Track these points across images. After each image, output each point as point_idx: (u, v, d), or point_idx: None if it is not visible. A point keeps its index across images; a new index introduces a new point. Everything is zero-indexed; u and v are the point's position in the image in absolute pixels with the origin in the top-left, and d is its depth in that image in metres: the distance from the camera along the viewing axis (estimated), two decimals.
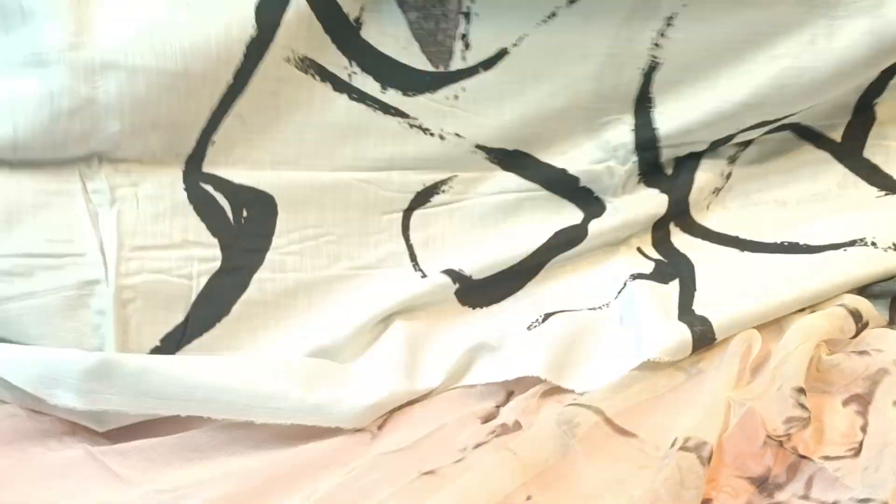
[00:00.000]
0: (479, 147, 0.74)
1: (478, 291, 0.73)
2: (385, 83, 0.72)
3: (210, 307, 0.68)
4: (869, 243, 0.74)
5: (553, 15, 0.72)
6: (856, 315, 0.66)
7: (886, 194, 0.78)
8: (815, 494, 0.55)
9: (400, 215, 0.73)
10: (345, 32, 0.70)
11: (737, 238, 0.78)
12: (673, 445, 0.56)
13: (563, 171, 0.75)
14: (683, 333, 0.66)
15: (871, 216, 0.77)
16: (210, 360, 0.65)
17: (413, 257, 0.74)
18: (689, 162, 0.78)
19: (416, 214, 0.74)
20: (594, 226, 0.75)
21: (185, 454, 0.61)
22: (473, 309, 0.73)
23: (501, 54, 0.72)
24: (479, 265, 0.72)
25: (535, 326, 0.71)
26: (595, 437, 0.59)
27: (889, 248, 0.73)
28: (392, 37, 0.71)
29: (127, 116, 0.65)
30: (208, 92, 0.67)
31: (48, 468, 0.59)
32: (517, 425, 0.61)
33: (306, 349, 0.69)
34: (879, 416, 0.58)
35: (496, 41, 0.72)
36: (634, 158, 0.75)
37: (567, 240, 0.75)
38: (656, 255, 0.77)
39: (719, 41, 0.73)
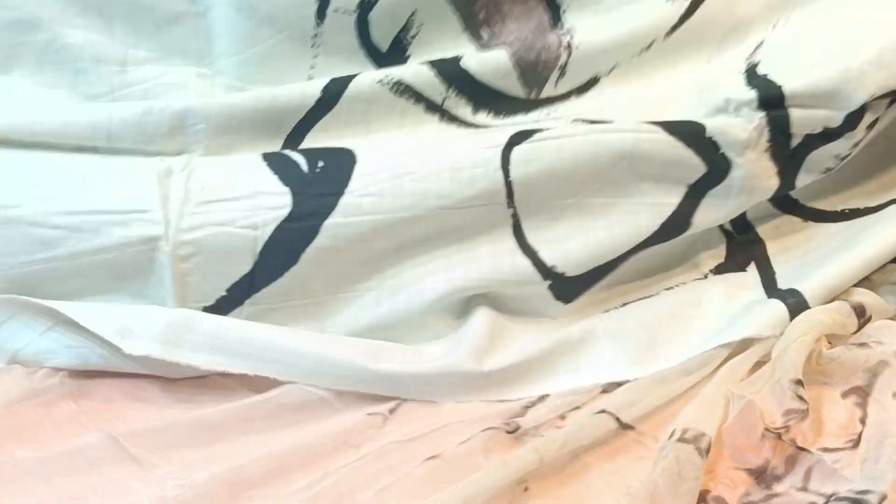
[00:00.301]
0: None
1: (570, 287, 0.71)
2: (477, 106, 0.73)
3: (277, 256, 0.67)
4: None
5: (649, 46, 0.74)
6: (858, 310, 0.66)
7: None
8: (814, 486, 0.55)
9: (499, 150, 0.69)
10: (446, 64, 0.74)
11: (797, 202, 0.76)
12: (671, 437, 0.56)
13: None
14: (778, 307, 0.66)
15: None
16: (282, 328, 0.66)
17: (510, 194, 0.69)
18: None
19: (517, 150, 0.69)
20: (700, 216, 0.71)
21: (198, 434, 0.62)
22: (566, 304, 0.71)
23: (594, 81, 0.74)
24: (574, 260, 0.69)
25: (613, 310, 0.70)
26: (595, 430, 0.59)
27: None
28: (493, 68, 0.73)
29: (213, 119, 0.70)
30: (294, 110, 0.71)
31: (71, 458, 0.59)
32: (525, 431, 0.61)
33: (376, 312, 0.68)
34: (879, 408, 0.58)
35: (590, 71, 0.74)
36: (761, 115, 0.69)
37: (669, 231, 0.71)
38: (727, 225, 0.75)
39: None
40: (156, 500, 0.56)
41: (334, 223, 0.67)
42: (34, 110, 0.72)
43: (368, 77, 0.73)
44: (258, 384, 0.65)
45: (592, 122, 0.71)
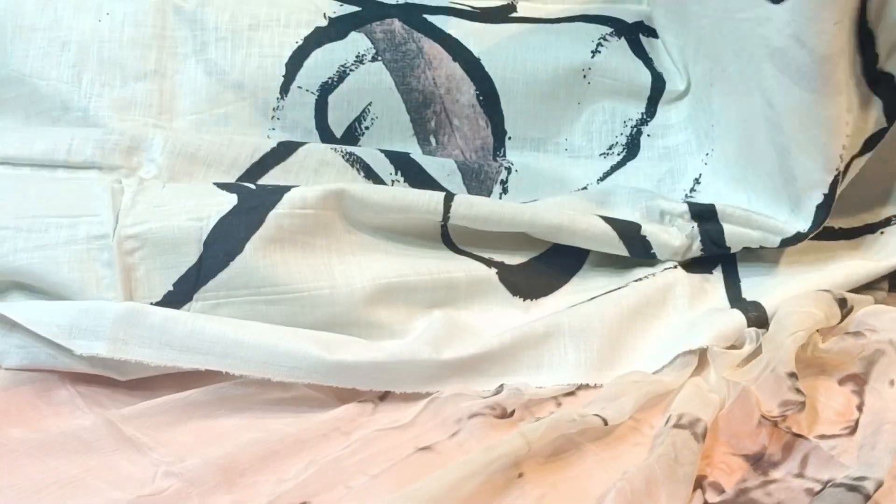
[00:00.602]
0: None
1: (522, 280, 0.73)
2: None
3: (222, 244, 0.66)
4: None
5: (585, 188, 0.80)
6: (841, 302, 0.66)
7: None
8: (810, 473, 0.55)
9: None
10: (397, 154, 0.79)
11: None
12: (667, 423, 0.56)
13: None
14: (739, 319, 0.66)
15: None
16: (233, 319, 0.65)
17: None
18: None
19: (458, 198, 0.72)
20: None
21: (191, 418, 0.61)
22: (524, 300, 0.72)
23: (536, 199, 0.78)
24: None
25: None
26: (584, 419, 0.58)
27: None
28: (440, 165, 0.79)
29: (171, 147, 0.73)
30: (249, 151, 0.74)
31: (66, 440, 0.59)
32: (513, 413, 0.61)
33: (331, 312, 0.68)
34: (876, 396, 0.58)
35: (532, 193, 0.79)
36: (694, 224, 0.74)
37: None
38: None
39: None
40: (149, 483, 0.55)
41: (280, 213, 0.67)
42: None
43: (322, 145, 0.78)
44: None
45: None
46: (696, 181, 0.77)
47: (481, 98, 0.81)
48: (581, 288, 0.72)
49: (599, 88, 0.81)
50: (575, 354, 0.66)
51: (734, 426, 0.57)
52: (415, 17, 0.82)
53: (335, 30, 0.81)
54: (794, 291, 0.68)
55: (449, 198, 0.71)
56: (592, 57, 0.81)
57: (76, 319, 0.62)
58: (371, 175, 0.77)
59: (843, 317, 0.65)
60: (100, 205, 0.68)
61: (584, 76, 0.81)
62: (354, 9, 0.82)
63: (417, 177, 0.78)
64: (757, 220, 0.70)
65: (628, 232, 0.72)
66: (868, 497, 0.51)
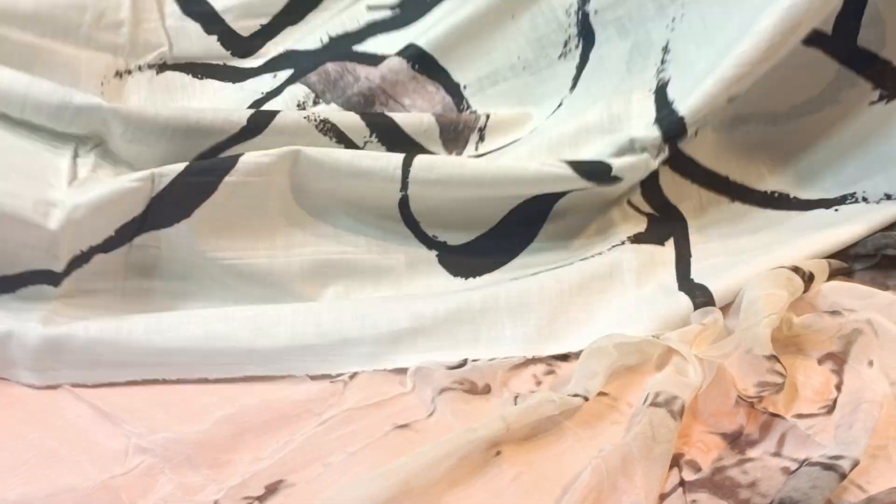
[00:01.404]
0: None
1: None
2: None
3: (171, 205, 0.66)
4: (860, 199, 0.73)
5: (560, 105, 0.76)
6: (800, 272, 0.65)
7: (883, 99, 0.72)
8: (787, 452, 0.55)
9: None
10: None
11: (727, 180, 0.76)
12: (645, 402, 0.56)
13: None
14: (685, 304, 0.65)
15: (864, 137, 0.73)
16: (161, 321, 0.63)
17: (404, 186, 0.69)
18: None
19: (419, 158, 0.70)
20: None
21: (167, 396, 0.61)
22: (465, 279, 0.71)
23: (513, 142, 0.76)
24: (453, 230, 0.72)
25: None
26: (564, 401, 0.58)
27: (881, 199, 0.72)
28: (417, 121, 0.76)
29: (132, 125, 0.69)
30: (216, 133, 0.71)
31: (47, 416, 0.59)
32: (486, 389, 0.61)
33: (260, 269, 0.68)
34: (854, 375, 0.58)
35: (510, 136, 0.77)
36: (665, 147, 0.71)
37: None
38: (648, 209, 0.75)
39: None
40: (121, 458, 0.55)
41: (233, 181, 0.66)
42: None
43: (295, 112, 0.75)
44: None
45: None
46: (665, 50, 0.72)
47: (417, 66, 0.79)
48: (526, 264, 0.71)
49: None
50: (512, 329, 0.65)
51: (712, 405, 0.57)
52: (343, 52, 0.82)
53: (274, 93, 0.81)
54: (744, 274, 0.66)
55: (408, 161, 0.68)
56: None
57: (2, 352, 0.61)
58: (343, 140, 0.74)
59: (807, 286, 0.65)
60: (58, 175, 0.66)
61: None
62: (288, 72, 0.83)
63: (393, 137, 0.75)
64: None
65: (596, 172, 0.69)
66: (844, 476, 0.51)
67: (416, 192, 0.70)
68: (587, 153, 0.71)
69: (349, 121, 0.75)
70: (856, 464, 0.51)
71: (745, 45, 0.65)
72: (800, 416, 0.57)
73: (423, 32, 0.80)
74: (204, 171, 0.66)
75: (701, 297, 0.65)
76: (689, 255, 0.71)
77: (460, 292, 0.68)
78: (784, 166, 0.75)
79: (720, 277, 0.67)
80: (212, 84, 0.84)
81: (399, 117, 0.76)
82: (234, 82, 0.85)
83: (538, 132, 0.77)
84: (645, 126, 0.70)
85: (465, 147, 0.77)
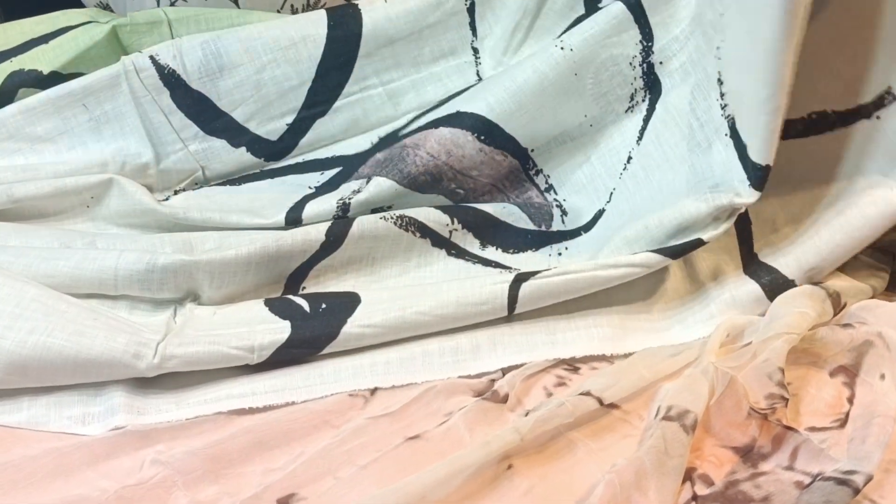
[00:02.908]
0: None
1: None
2: (485, 241, 0.74)
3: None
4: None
5: (630, 160, 0.73)
6: (834, 298, 0.65)
7: None
8: (800, 465, 0.54)
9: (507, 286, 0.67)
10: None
11: None
12: (656, 416, 0.56)
13: None
14: (754, 290, 0.66)
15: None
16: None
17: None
18: None
19: (525, 286, 0.67)
20: None
21: None
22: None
23: (599, 214, 0.74)
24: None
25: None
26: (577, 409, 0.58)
27: None
28: (499, 206, 0.76)
29: (216, 271, 0.69)
30: (297, 255, 0.71)
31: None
32: (506, 398, 0.61)
33: None
34: (867, 389, 0.58)
35: (593, 206, 0.75)
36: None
37: None
38: None
39: None
40: (135, 470, 0.56)
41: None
42: (48, 256, 0.69)
43: (370, 216, 0.73)
44: None
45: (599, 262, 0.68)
46: (720, 82, 0.66)
47: (483, 138, 0.75)
48: None
49: (584, 47, 0.73)
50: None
51: (724, 418, 0.57)
52: (393, 141, 0.79)
53: (323, 189, 0.79)
54: (813, 254, 0.65)
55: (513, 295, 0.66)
56: (559, 36, 0.75)
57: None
58: (427, 233, 0.73)
59: (836, 313, 0.65)
60: (150, 324, 0.66)
61: (561, 47, 0.73)
62: (335, 170, 0.82)
63: (475, 220, 0.75)
64: None
65: (689, 249, 0.66)
66: (857, 491, 0.50)
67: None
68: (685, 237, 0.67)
69: (428, 214, 0.74)
70: (869, 479, 0.51)
71: (772, 62, 0.59)
72: (812, 429, 0.57)
73: (481, 98, 0.76)
74: (305, 343, 0.65)
75: (766, 276, 0.66)
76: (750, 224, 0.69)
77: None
78: (821, 82, 0.67)
79: (788, 256, 0.66)
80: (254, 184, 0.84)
81: (482, 204, 0.76)
82: (272, 178, 0.83)
83: (632, 216, 0.71)
84: (740, 182, 0.64)
85: (552, 221, 0.76)
